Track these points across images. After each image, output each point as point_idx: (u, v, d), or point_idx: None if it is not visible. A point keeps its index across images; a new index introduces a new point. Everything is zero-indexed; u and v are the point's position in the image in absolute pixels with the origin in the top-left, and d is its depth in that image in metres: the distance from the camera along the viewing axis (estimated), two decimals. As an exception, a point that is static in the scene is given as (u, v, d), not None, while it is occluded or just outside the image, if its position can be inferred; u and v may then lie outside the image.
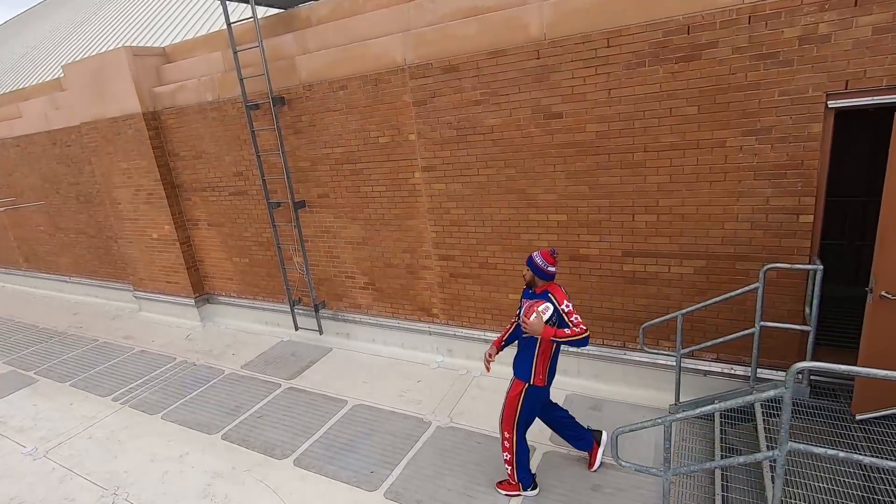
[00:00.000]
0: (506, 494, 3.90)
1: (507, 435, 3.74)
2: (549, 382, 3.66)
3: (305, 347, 6.69)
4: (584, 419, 4.53)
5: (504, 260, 5.15)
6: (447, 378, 5.55)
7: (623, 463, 3.00)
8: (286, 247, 6.62)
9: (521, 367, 3.63)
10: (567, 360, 5.11)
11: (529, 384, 3.58)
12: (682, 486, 3.59)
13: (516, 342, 3.75)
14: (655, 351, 4.36)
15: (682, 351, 4.15)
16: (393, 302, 6.10)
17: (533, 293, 3.56)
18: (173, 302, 8.13)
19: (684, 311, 4.05)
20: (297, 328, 6.88)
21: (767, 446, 3.41)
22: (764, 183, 3.83)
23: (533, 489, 3.85)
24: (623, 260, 4.55)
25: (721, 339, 3.96)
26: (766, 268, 3.66)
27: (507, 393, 3.71)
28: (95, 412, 5.68)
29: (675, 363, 4.53)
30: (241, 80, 5.92)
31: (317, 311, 6.60)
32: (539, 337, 3.38)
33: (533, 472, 3.94)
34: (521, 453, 3.77)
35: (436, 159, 5.18)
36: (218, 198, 7.12)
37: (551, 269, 3.46)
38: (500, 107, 4.67)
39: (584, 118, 4.33)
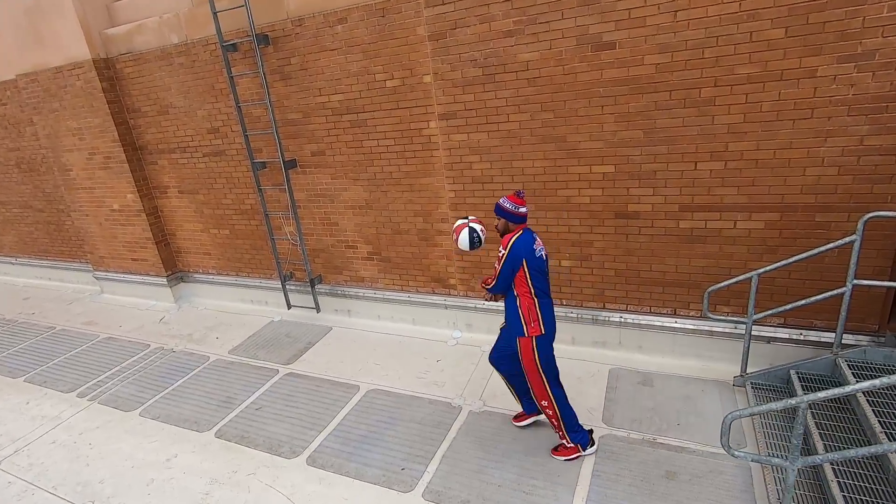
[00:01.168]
0: (565, 460, 3.50)
1: (545, 403, 3.42)
2: (550, 329, 3.32)
3: (301, 327, 5.95)
4: (635, 396, 4.04)
5: (537, 220, 4.52)
6: (470, 356, 4.95)
7: (737, 453, 2.47)
8: (275, 214, 5.79)
9: (515, 324, 3.32)
10: (607, 331, 4.59)
11: (528, 337, 3.27)
12: (773, 472, 3.12)
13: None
14: (720, 317, 3.86)
15: (756, 316, 3.66)
16: (402, 273, 5.41)
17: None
18: (141, 282, 7.18)
19: (760, 270, 3.54)
20: (289, 306, 6.11)
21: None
22: (859, 119, 3.30)
23: (591, 446, 3.55)
24: (680, 216, 3.99)
25: (804, 301, 3.48)
26: (866, 217, 3.15)
27: (521, 360, 3.36)
28: (58, 411, 4.83)
29: (732, 330, 4.08)
30: (215, 13, 4.96)
31: (312, 286, 5.84)
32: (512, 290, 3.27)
33: (587, 428, 3.59)
34: (566, 413, 3.45)
35: (456, 105, 4.44)
36: (190, 160, 6.17)
37: (522, 209, 3.23)
38: (537, 38, 3.95)
39: (642, 48, 3.67)
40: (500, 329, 3.60)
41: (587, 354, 4.68)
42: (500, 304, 3.49)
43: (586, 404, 4.04)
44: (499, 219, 3.29)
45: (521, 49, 4.03)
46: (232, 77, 5.22)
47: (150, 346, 5.98)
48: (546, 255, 3.30)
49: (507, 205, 3.22)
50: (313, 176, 5.43)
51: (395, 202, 5.10)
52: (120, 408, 4.79)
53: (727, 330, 4.13)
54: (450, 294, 5.25)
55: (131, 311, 7.07)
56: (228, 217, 6.26)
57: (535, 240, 3.23)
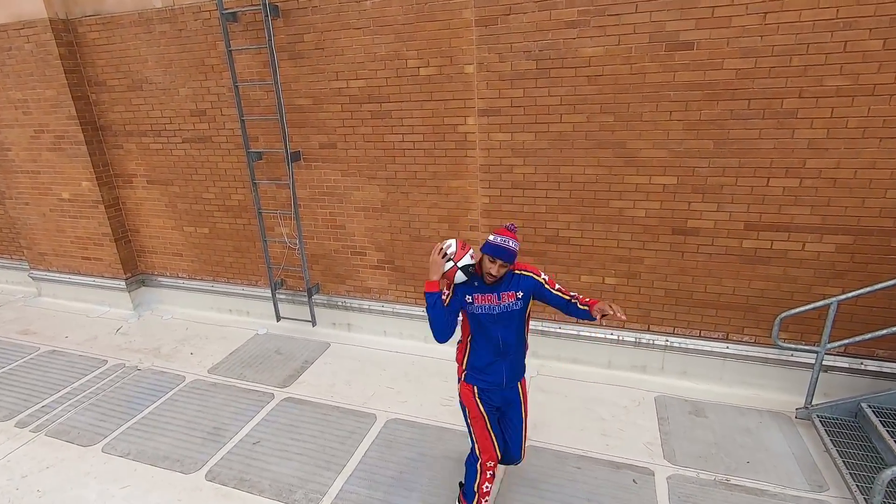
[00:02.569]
0: None
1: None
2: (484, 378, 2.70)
3: (293, 343, 5.22)
4: (692, 429, 3.70)
5: (582, 233, 4.12)
6: (496, 379, 4.46)
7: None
8: (269, 213, 5.06)
9: (521, 364, 2.79)
10: (650, 355, 4.25)
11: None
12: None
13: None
14: (792, 346, 3.60)
15: (831, 346, 3.43)
16: (417, 284, 4.85)
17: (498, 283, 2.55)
18: (92, 284, 6.15)
19: (840, 297, 3.31)
20: (279, 318, 5.37)
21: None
22: (950, 142, 3.15)
23: None
24: (744, 234, 3.72)
25: (885, 332, 3.27)
26: (964, 245, 2.98)
27: (525, 403, 2.87)
28: (-8, 446, 3.88)
29: (788, 358, 3.85)
30: (217, -25, 4.24)
31: (310, 296, 5.15)
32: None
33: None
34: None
35: (501, 100, 3.98)
36: (165, 145, 5.31)
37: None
38: (604, 31, 3.57)
39: (722, 51, 3.37)
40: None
41: (626, 380, 4.32)
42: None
43: (641, 438, 3.66)
44: (498, 261, 2.43)
45: (584, 43, 3.64)
46: (231, 51, 4.48)
47: (107, 361, 5.04)
48: None
49: (513, 245, 2.43)
50: (320, 171, 4.77)
51: (417, 205, 4.54)
52: (76, 441, 3.91)
53: (783, 357, 3.90)
54: (472, 310, 4.74)
55: (79, 318, 6.02)
56: (209, 214, 5.44)
57: None
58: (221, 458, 3.66)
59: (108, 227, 5.78)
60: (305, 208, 4.95)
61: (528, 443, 2.90)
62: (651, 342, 4.21)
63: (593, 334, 4.36)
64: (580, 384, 4.31)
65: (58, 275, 6.35)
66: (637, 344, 4.25)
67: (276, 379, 4.62)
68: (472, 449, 2.77)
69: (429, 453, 3.62)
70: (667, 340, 4.17)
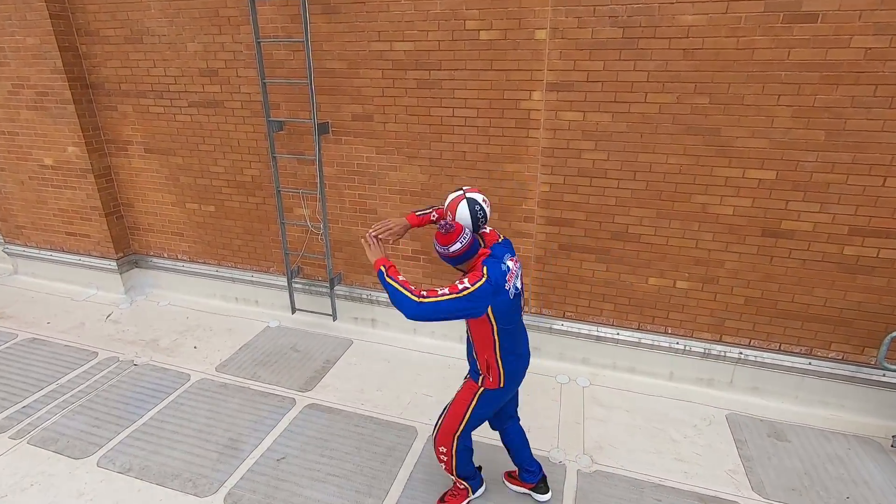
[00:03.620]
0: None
1: (443, 450, 2.71)
2: (511, 383, 2.59)
3: (311, 339, 4.67)
4: (776, 455, 3.31)
5: (655, 231, 3.65)
6: (545, 389, 4.01)
7: None
8: (289, 192, 4.46)
9: (471, 363, 2.64)
10: (718, 368, 3.84)
11: (481, 387, 2.56)
12: None
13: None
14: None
15: (947, 370, 3.05)
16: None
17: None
18: (78, 263, 5.47)
19: (965, 316, 2.91)
20: (293, 310, 4.81)
21: None
22: None
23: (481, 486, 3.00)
24: (847, 240, 3.29)
25: None
26: None
27: (456, 394, 2.68)
28: (-37, 457, 3.28)
29: (881, 378, 3.47)
30: None
31: (332, 287, 4.59)
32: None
33: (477, 465, 2.99)
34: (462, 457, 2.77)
35: (576, 73, 3.44)
36: (168, 109, 4.64)
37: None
38: (710, -4, 3.05)
39: (852, 26, 2.89)
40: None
41: (690, 394, 3.91)
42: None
43: (722, 465, 3.25)
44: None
45: (683, 9, 3.11)
46: (254, 2, 3.83)
47: (97, 354, 4.43)
48: None
49: (465, 240, 2.36)
50: (351, 147, 4.18)
51: (463, 191, 4.00)
52: (65, 452, 3.33)
53: (873, 377, 3.52)
54: (517, 310, 4.26)
55: (62, 301, 5.35)
56: (217, 190, 4.80)
57: None
58: (241, 479, 3.14)
59: (97, 200, 5.09)
60: (331, 188, 4.36)
61: (438, 430, 2.71)
62: (722, 354, 3.79)
63: (656, 342, 3.92)
64: (641, 398, 3.89)
65: (37, 251, 5.64)
66: (706, 355, 3.83)
67: (296, 381, 4.08)
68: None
69: (486, 477, 3.15)
70: (740, 353, 3.76)
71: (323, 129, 4.11)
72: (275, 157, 4.28)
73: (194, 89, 4.46)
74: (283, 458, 3.31)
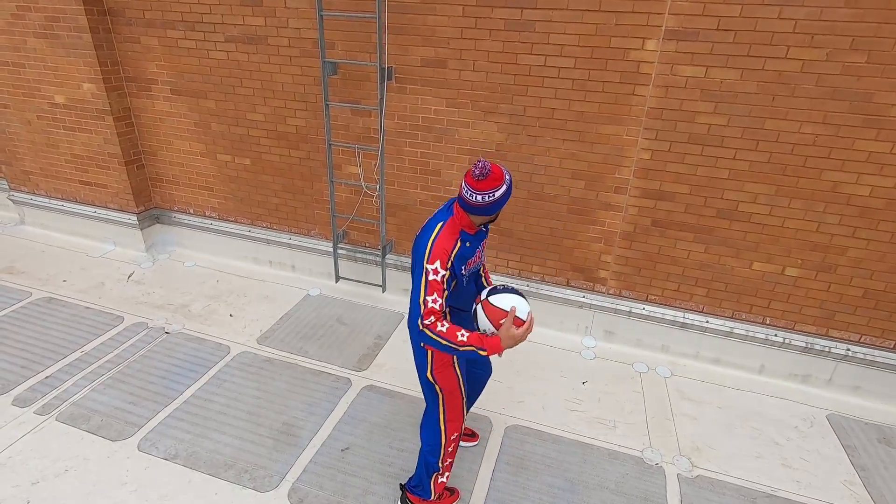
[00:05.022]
0: None
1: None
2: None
3: (358, 310, 4.26)
4: (887, 463, 2.99)
5: (770, 210, 3.21)
6: (623, 377, 3.65)
7: None
8: (340, 146, 3.94)
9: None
10: (818, 363, 3.49)
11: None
12: None
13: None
14: None
15: None
16: (525, 253, 3.90)
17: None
18: (94, 216, 4.96)
19: None
20: (337, 278, 4.38)
21: None
22: None
23: None
24: None
25: None
26: None
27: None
28: (-16, 435, 2.89)
29: None
30: None
31: (384, 255, 4.14)
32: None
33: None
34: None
35: (704, 19, 2.90)
36: (200, 44, 4.04)
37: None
38: (894, -73, 2.50)
39: None
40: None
41: (783, 390, 3.58)
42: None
43: (836, 475, 2.93)
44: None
45: (855, -58, 2.56)
46: (315, -88, 3.20)
47: (122, 318, 4.00)
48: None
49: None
50: (416, 97, 3.64)
51: (546, 154, 3.51)
52: (100, 433, 2.95)
53: None
54: (593, 290, 3.86)
55: (77, 256, 4.88)
56: (254, 140, 4.26)
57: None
58: (304, 471, 2.78)
59: (116, 146, 4.54)
60: (389, 144, 3.85)
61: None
62: (827, 349, 3.43)
63: (751, 333, 3.55)
64: (730, 392, 3.55)
65: (47, 200, 5.11)
66: (807, 349, 3.47)
67: (348, 359, 3.69)
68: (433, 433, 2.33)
69: (576, 479, 2.82)
70: (848, 349, 3.40)
71: (386, 74, 3.55)
72: (328, 104, 3.74)
73: (233, 21, 3.86)
74: (348, 448, 2.95)
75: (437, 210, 2.15)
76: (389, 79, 3.60)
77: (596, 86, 3.23)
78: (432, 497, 2.47)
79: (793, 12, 2.75)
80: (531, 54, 3.27)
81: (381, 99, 3.55)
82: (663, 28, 2.98)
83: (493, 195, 1.90)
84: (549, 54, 3.23)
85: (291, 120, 4.07)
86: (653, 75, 3.10)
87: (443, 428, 2.31)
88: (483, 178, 1.87)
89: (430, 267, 1.93)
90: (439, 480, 2.45)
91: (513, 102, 3.44)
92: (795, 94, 2.90)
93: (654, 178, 3.35)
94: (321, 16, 3.45)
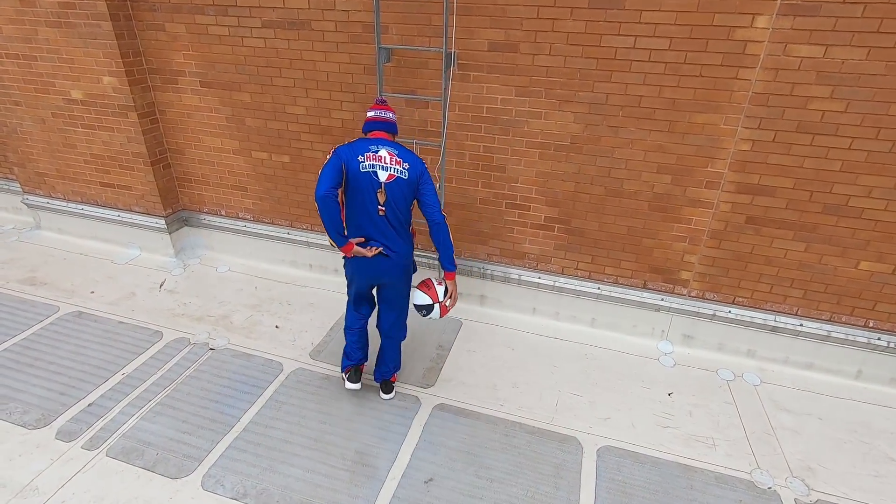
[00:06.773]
0: None
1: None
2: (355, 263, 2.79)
3: (409, 316, 3.95)
4: None
5: (886, 205, 2.90)
6: (710, 388, 3.38)
7: None
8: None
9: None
10: (853, 354, 3.22)
11: None
12: None
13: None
14: None
15: None
16: (598, 254, 3.59)
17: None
18: (117, 220, 4.62)
19: None
20: (388, 283, 4.06)
21: None
22: None
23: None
24: None
25: None
26: None
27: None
28: (28, 475, 2.59)
29: None
30: None
31: (440, 258, 3.83)
32: None
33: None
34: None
35: (828, -9, 2.55)
36: (234, 30, 3.66)
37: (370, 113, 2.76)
38: None
39: None
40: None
41: (885, 397, 3.32)
42: None
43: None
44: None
45: None
46: None
47: (161, 334, 3.70)
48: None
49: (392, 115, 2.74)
50: (482, 85, 3.29)
51: (629, 146, 3.18)
52: (157, 469, 2.67)
53: None
54: (672, 292, 3.57)
55: (101, 263, 4.55)
56: (294, 136, 3.91)
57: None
58: (388, 509, 2.52)
59: (141, 145, 4.18)
60: (448, 138, 3.50)
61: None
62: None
63: (851, 336, 3.28)
64: (828, 401, 3.29)
65: (65, 204, 4.76)
66: (913, 354, 3.21)
67: (412, 373, 3.41)
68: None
69: (686, 510, 2.57)
70: None
71: (449, 61, 3.19)
72: (382, 95, 3.38)
73: (271, 4, 3.47)
74: (431, 479, 2.68)
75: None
76: (451, 65, 3.24)
77: (692, 69, 2.88)
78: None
79: (937, -20, 2.41)
80: (618, 35, 2.91)
81: (446, 88, 3.19)
82: (778, 2, 2.63)
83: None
84: (639, 35, 2.88)
85: (337, 113, 3.71)
86: (761, 56, 2.75)
87: None
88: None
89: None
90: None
91: (594, 90, 3.09)
92: (930, 75, 2.57)
93: (753, 172, 3.03)
94: (377, -5, 3.08)
